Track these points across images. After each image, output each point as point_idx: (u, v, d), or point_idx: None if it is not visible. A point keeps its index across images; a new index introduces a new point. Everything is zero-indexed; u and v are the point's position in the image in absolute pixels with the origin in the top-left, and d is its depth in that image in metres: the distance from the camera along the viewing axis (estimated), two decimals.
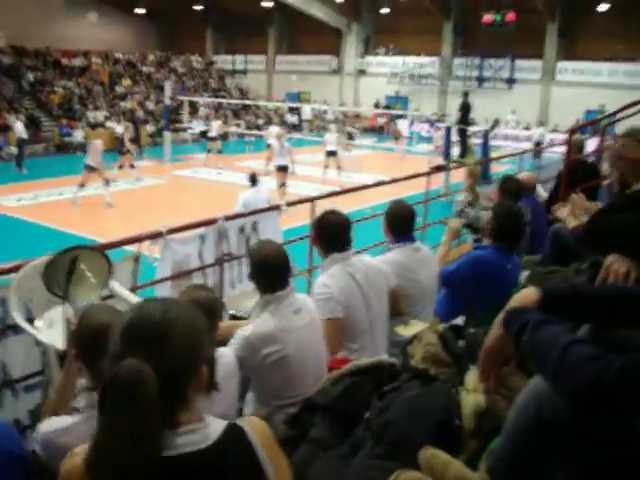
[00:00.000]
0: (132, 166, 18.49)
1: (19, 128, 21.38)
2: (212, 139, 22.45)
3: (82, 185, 15.65)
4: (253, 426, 1.56)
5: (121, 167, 18.32)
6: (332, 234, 3.63)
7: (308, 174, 18.99)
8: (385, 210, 4.18)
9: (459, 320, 3.40)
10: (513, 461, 1.64)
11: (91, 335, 2.17)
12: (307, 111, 34.37)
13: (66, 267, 2.90)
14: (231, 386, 2.83)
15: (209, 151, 22.17)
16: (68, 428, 2.13)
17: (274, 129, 20.46)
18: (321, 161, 19.68)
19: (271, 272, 3.04)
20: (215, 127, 22.60)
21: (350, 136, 23.98)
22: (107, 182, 15.63)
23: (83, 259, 2.97)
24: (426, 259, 4.15)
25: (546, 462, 1.59)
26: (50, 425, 2.19)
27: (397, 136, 25.89)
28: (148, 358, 1.36)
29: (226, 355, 2.85)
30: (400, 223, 4.11)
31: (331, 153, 19.03)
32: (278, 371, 2.91)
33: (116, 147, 21.14)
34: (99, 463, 1.34)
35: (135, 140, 23.31)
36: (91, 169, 15.60)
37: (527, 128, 30.12)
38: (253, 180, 10.52)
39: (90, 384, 2.25)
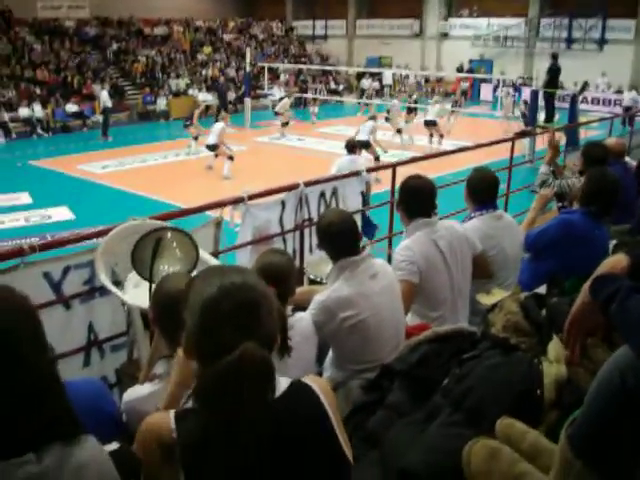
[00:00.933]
0: (196, 138, 18.32)
1: (104, 97, 22.06)
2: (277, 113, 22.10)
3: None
4: (318, 384, 1.60)
5: (196, 138, 18.38)
6: (416, 199, 3.60)
7: (389, 140, 18.81)
8: (466, 178, 4.11)
9: (542, 289, 3.32)
10: (594, 431, 1.60)
11: (168, 302, 2.21)
12: (388, 76, 33.94)
13: (151, 248, 2.97)
14: (308, 350, 2.87)
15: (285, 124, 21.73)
16: (148, 396, 2.23)
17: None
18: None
19: (336, 239, 3.05)
20: (281, 103, 22.10)
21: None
22: (230, 158, 15.75)
23: (169, 238, 3.03)
24: (509, 227, 4.07)
25: (628, 432, 1.54)
26: (132, 394, 2.31)
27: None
28: (245, 335, 1.40)
29: (303, 319, 2.89)
30: (482, 191, 4.03)
31: (430, 122, 18.43)
32: (355, 335, 2.92)
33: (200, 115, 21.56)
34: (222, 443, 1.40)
35: (223, 107, 23.72)
36: (213, 148, 15.86)
37: (619, 91, 28.76)
38: (351, 148, 10.51)
39: (167, 351, 2.32)
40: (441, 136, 18.49)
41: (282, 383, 1.54)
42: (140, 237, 2.98)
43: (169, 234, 3.05)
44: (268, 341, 1.45)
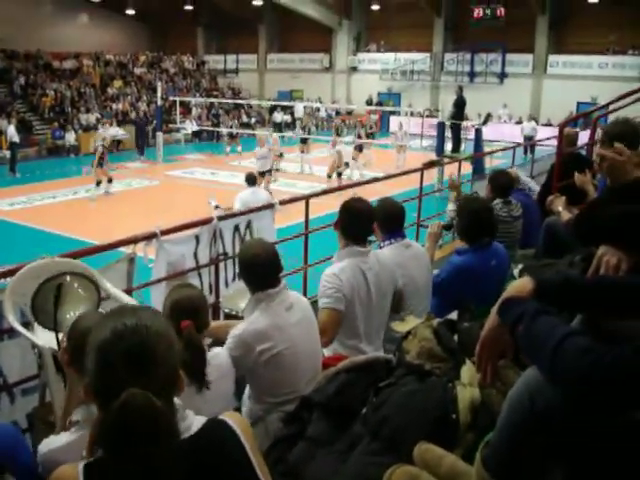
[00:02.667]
0: (99, 183, 17.17)
1: (11, 132, 21.34)
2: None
3: None
4: (234, 419, 1.59)
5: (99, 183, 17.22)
6: (355, 221, 3.61)
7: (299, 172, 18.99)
8: (374, 208, 4.17)
9: (453, 315, 3.41)
10: (507, 453, 1.65)
11: (82, 341, 2.17)
12: (299, 109, 34.40)
13: (52, 295, 2.89)
14: (226, 386, 2.84)
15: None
16: (65, 446, 2.14)
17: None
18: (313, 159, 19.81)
19: (260, 271, 3.04)
20: None
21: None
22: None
23: (69, 282, 2.95)
24: (417, 255, 4.14)
25: (539, 454, 1.60)
26: (49, 444, 2.20)
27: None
28: (139, 378, 1.36)
29: (220, 355, 2.86)
30: (390, 220, 4.09)
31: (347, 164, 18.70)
32: (272, 368, 2.91)
33: (111, 149, 21.16)
34: None
35: (142, 141, 23.34)
36: None
37: (519, 122, 30.16)
38: (251, 180, 10.47)
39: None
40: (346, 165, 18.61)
41: (197, 421, 1.52)
42: (38, 286, 2.90)
43: (68, 278, 2.97)
44: (167, 381, 1.42)
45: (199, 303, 2.75)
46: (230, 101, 33.35)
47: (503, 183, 5.36)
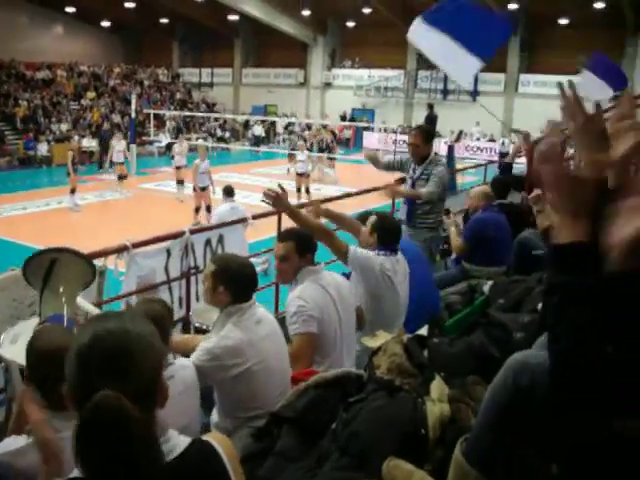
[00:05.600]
0: (73, 191, 16.81)
1: None
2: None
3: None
4: (219, 441, 1.56)
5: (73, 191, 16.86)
6: (309, 244, 3.64)
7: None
8: (374, 222, 4.16)
9: (423, 330, 3.43)
10: (489, 437, 1.63)
11: (42, 357, 2.15)
12: (280, 124, 34.58)
13: (45, 267, 2.87)
14: (192, 399, 2.82)
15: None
16: (22, 450, 2.10)
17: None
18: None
19: (245, 282, 3.05)
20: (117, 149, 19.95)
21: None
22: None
23: (63, 263, 2.93)
24: (404, 272, 4.16)
25: (522, 437, 1.58)
26: (4, 447, 2.16)
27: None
28: (115, 383, 1.32)
29: (187, 367, 2.83)
30: (390, 234, 4.13)
31: (301, 174, 17.99)
32: (243, 383, 2.90)
33: (83, 161, 20.98)
34: None
35: (105, 153, 23.11)
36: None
37: (492, 140, 30.53)
38: (229, 193, 10.37)
39: (42, 405, 2.22)
40: (306, 190, 17.77)
41: (181, 442, 1.48)
42: (34, 254, 2.89)
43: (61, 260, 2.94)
44: (146, 388, 1.38)
45: (158, 315, 2.67)
46: (205, 114, 33.31)
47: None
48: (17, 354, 2.85)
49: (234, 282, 3.05)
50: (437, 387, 2.38)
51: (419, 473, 2.01)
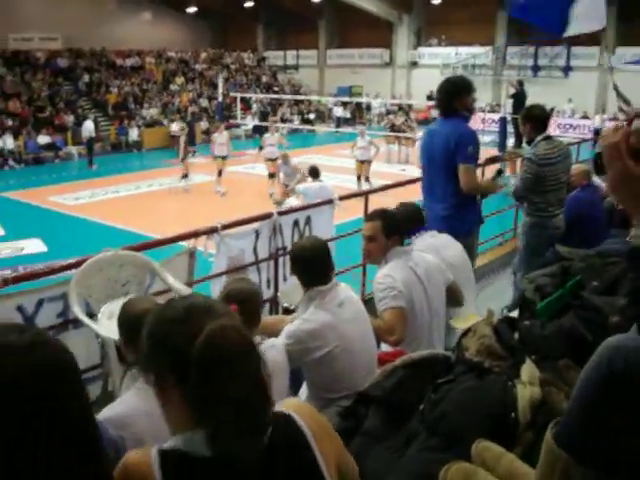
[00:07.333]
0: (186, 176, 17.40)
1: (89, 127, 22.37)
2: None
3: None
4: (300, 412, 1.54)
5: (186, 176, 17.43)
6: (398, 222, 3.65)
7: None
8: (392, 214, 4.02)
9: (514, 312, 3.36)
10: (582, 422, 1.59)
11: (133, 321, 2.29)
12: (375, 105, 34.37)
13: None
14: (282, 379, 2.85)
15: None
16: (130, 405, 2.22)
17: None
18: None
19: (308, 267, 3.07)
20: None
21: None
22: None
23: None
24: (445, 242, 4.22)
25: (617, 421, 1.53)
26: (110, 409, 2.27)
27: None
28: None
29: (275, 347, 2.88)
30: (412, 222, 4.17)
31: (362, 161, 16.98)
32: (326, 365, 2.93)
33: (172, 145, 21.52)
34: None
35: (191, 139, 23.66)
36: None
37: (585, 117, 29.36)
38: (315, 173, 10.47)
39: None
40: (366, 178, 16.92)
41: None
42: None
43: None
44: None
45: (247, 296, 2.74)
46: (290, 97, 33.54)
47: (540, 115, 5.23)
48: (113, 331, 2.98)
49: (297, 268, 3.13)
50: (528, 370, 2.33)
51: (508, 456, 1.98)
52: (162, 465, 1.34)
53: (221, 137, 17.37)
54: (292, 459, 1.45)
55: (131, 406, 2.24)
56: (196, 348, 1.30)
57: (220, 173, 16.99)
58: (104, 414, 2.20)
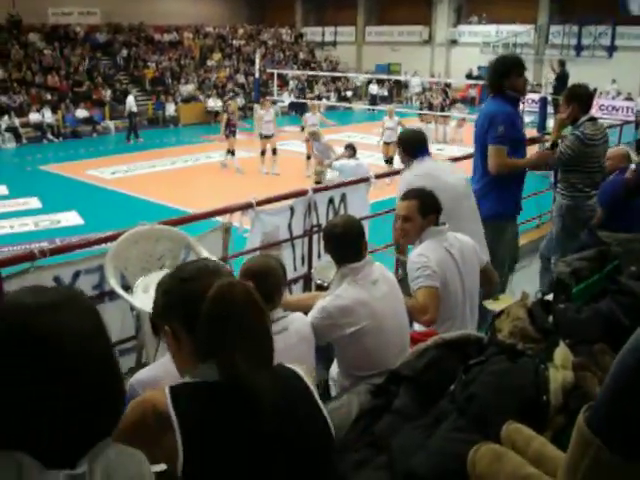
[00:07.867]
0: (232, 153, 17.19)
1: (130, 102, 22.67)
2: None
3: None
4: (300, 368, 1.77)
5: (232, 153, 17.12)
6: (434, 201, 3.62)
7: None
8: (398, 138, 4.58)
9: (549, 295, 3.32)
10: (616, 406, 1.58)
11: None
12: (416, 84, 34.01)
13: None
14: (306, 351, 2.83)
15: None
16: (158, 369, 2.28)
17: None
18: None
19: (340, 244, 3.07)
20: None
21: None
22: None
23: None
24: (448, 167, 4.42)
25: None
26: (141, 373, 2.35)
27: None
28: None
29: (298, 319, 2.86)
30: (416, 143, 4.36)
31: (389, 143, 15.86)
32: (357, 342, 2.93)
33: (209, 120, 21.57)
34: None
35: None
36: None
37: (629, 98, 28.64)
38: (352, 150, 10.48)
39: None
40: (389, 160, 15.96)
41: None
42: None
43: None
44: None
45: (264, 271, 2.68)
46: (328, 74, 33.34)
47: (583, 94, 5.13)
48: (148, 304, 3.02)
49: (329, 246, 3.15)
50: (561, 353, 2.31)
51: (539, 439, 1.97)
52: (173, 396, 1.53)
53: (268, 114, 16.97)
54: (290, 387, 1.69)
55: (162, 369, 2.27)
56: (206, 300, 1.53)
57: (263, 152, 16.55)
58: (135, 377, 2.28)
